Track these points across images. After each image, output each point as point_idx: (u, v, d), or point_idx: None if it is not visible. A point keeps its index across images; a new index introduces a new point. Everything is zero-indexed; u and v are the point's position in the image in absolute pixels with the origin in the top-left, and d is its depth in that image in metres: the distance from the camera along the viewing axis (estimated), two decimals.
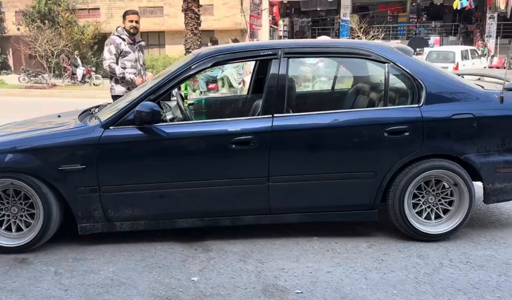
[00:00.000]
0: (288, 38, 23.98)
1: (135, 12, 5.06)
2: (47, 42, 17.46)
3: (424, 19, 25.34)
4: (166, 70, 3.54)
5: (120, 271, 2.94)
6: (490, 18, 22.20)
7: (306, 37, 23.78)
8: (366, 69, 3.96)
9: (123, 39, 4.88)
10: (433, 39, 23.21)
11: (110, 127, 3.13)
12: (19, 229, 3.20)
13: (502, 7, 21.34)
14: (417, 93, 3.25)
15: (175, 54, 18.29)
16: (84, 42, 21.60)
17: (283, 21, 25.41)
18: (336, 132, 3.23)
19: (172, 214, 3.26)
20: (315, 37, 20.27)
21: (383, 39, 16.78)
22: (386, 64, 3.29)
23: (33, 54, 17.65)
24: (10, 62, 24.24)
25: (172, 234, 3.38)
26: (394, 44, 3.68)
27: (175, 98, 4.01)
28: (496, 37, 22.03)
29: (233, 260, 3.06)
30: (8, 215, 3.20)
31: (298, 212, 3.31)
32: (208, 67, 3.29)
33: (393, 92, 3.45)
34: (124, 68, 4.85)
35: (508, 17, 21.32)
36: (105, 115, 3.28)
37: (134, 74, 4.88)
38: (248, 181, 3.18)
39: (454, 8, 22.14)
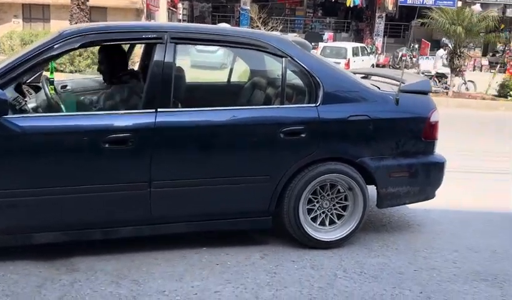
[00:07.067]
0: (188, 22, 23.20)
1: None
2: None
3: (319, 14, 26.25)
4: (22, 50, 2.88)
5: None
6: (379, 17, 23.69)
7: (206, 23, 23.24)
8: (264, 63, 3.67)
9: None
10: (327, 34, 24.16)
11: None
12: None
13: (390, 7, 22.91)
14: (314, 92, 3.03)
15: None
16: None
17: (183, 4, 24.56)
18: (228, 131, 2.90)
19: (29, 226, 2.67)
20: (215, 24, 19.90)
21: (281, 31, 16.91)
22: (284, 59, 3.02)
23: None
24: None
25: (33, 251, 2.76)
26: (292, 37, 3.44)
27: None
28: (384, 36, 23.60)
29: (103, 282, 2.57)
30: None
31: (185, 220, 2.94)
32: (75, 48, 2.73)
33: (290, 89, 3.20)
34: None
35: (396, 17, 22.95)
36: None
37: None
38: (125, 187, 2.72)
39: (347, 5, 23.28)
